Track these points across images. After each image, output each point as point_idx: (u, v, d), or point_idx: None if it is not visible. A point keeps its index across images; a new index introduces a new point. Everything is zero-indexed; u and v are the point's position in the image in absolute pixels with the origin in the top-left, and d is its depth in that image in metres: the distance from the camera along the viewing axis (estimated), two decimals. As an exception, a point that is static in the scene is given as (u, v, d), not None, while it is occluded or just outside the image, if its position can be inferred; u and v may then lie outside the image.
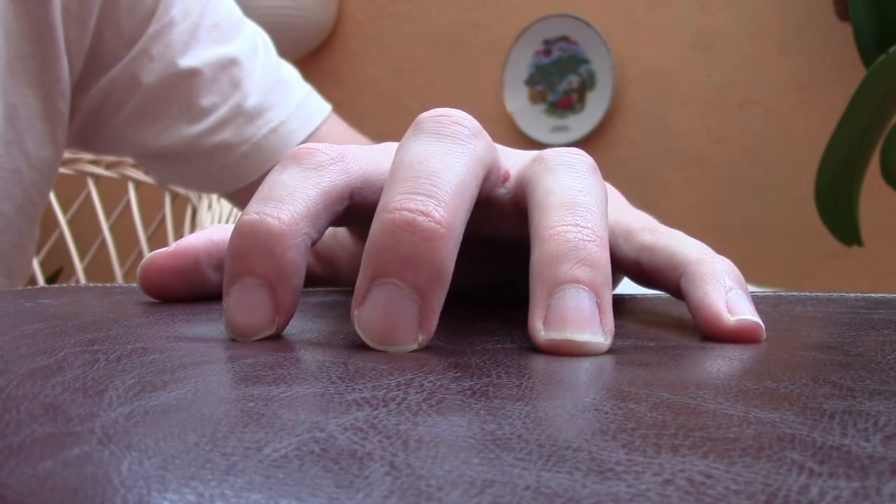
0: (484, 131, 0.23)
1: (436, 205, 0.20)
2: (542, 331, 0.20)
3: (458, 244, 0.20)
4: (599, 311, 0.20)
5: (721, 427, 0.13)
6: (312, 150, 0.22)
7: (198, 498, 0.10)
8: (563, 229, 0.21)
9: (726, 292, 0.23)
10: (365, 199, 0.23)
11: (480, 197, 0.23)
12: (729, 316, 0.22)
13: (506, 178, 0.25)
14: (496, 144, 0.26)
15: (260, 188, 0.22)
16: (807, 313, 0.27)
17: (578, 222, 0.21)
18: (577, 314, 0.20)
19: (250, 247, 0.20)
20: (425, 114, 0.23)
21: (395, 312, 0.19)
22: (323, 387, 0.15)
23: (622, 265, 0.27)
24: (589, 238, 0.21)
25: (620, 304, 0.29)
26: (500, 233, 0.27)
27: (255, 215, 0.21)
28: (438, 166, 0.21)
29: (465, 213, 0.21)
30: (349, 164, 0.23)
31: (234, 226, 0.21)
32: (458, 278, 0.22)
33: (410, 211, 0.19)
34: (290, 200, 0.21)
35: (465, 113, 0.23)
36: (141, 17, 0.52)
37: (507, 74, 1.56)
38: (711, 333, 0.22)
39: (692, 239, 0.26)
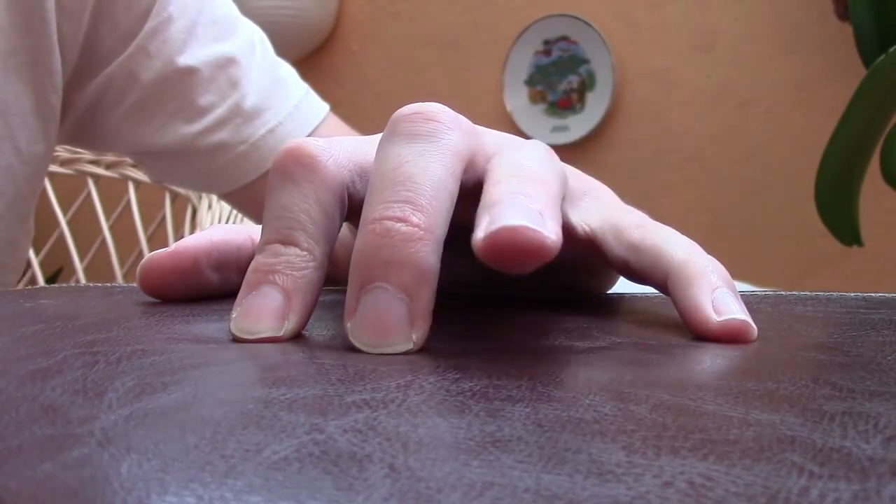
0: (462, 121, 0.23)
1: (413, 209, 0.20)
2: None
3: (441, 243, 0.20)
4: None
5: (721, 429, 0.13)
6: (298, 156, 0.23)
7: (197, 500, 0.10)
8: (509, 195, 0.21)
9: (712, 292, 0.22)
10: (359, 191, 0.23)
11: (467, 186, 0.23)
12: (715, 316, 0.22)
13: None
14: (488, 131, 0.26)
15: (266, 216, 0.22)
16: (807, 313, 0.26)
17: (525, 191, 0.21)
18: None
19: (272, 265, 0.21)
20: (399, 113, 0.23)
21: (384, 313, 0.19)
22: (322, 389, 0.15)
23: (612, 263, 0.27)
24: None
25: (621, 303, 0.29)
26: None
27: (277, 245, 0.22)
28: (413, 170, 0.21)
29: (445, 212, 0.21)
30: (338, 158, 0.23)
31: (251, 259, 0.22)
32: (451, 273, 0.22)
33: (389, 219, 0.20)
34: (301, 227, 0.22)
35: (440, 106, 0.23)
36: (138, 13, 0.52)
37: (507, 74, 1.56)
38: (699, 335, 0.22)
39: (681, 237, 0.25)
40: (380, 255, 0.20)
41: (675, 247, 0.25)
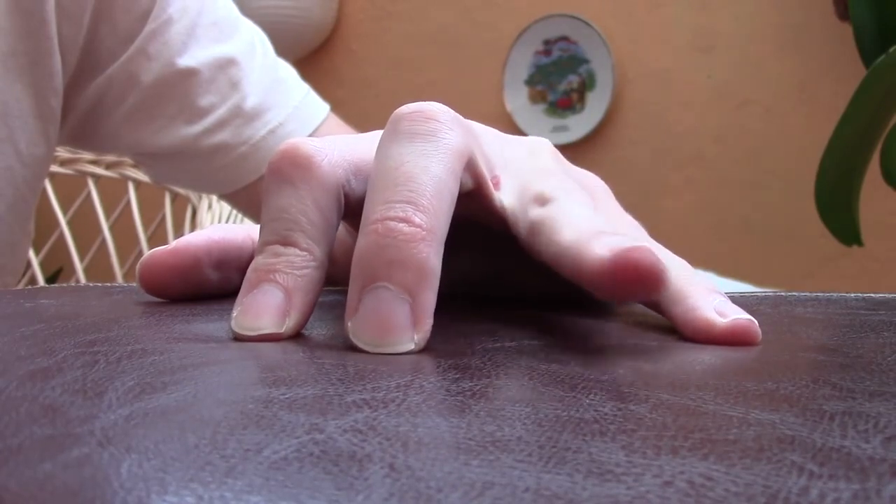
0: (461, 121, 0.23)
1: (414, 209, 0.20)
2: None
3: (443, 244, 0.21)
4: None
5: (721, 428, 0.13)
6: (293, 157, 0.23)
7: (197, 500, 0.10)
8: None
9: (711, 300, 0.23)
10: (354, 190, 0.23)
11: (466, 186, 0.23)
12: (720, 318, 0.22)
13: (496, 184, 0.25)
14: (486, 131, 0.26)
15: (264, 218, 0.23)
16: (807, 314, 0.26)
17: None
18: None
19: (273, 265, 0.22)
20: (399, 112, 0.23)
21: (387, 313, 0.19)
22: (322, 388, 0.15)
23: None
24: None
25: (621, 304, 0.29)
26: (489, 222, 0.27)
27: (277, 246, 0.22)
28: (414, 170, 0.21)
29: (446, 211, 0.21)
30: (333, 158, 0.23)
31: (252, 261, 0.23)
32: (450, 272, 0.22)
33: (391, 219, 0.20)
34: (299, 229, 0.22)
35: (439, 105, 0.23)
36: (138, 14, 0.52)
37: (507, 74, 1.56)
38: (706, 340, 0.22)
39: (671, 255, 0.25)
40: (382, 256, 0.20)
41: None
